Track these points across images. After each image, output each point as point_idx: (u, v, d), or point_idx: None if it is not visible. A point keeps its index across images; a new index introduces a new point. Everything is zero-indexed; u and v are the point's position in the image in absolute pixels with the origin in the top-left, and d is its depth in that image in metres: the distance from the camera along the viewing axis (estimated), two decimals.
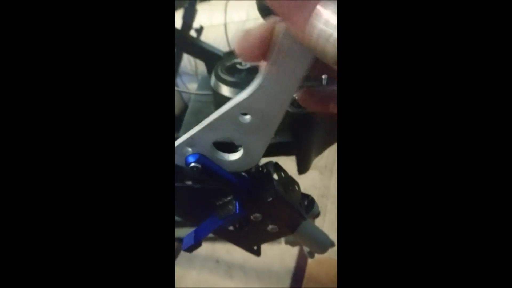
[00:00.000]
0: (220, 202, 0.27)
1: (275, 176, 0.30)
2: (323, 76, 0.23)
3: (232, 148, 0.27)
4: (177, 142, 0.25)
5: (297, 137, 0.32)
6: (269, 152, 0.34)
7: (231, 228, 0.30)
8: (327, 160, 1.17)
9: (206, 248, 0.93)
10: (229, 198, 0.27)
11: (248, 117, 0.22)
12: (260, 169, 0.29)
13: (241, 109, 0.21)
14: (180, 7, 0.85)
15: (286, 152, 0.34)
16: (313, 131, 0.32)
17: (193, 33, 0.73)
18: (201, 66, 1.46)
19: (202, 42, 0.45)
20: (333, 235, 0.38)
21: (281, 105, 0.20)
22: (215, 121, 0.22)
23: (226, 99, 0.31)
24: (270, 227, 0.31)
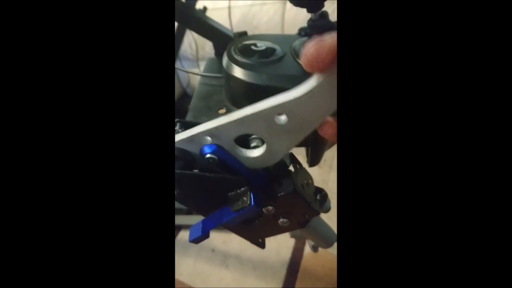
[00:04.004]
0: (233, 193, 0.26)
1: (291, 168, 0.28)
2: None
3: (247, 144, 0.25)
4: (197, 130, 0.23)
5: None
6: None
7: None
8: (326, 155, 1.16)
9: None
10: (243, 189, 0.25)
11: (284, 117, 0.20)
12: None
13: (281, 109, 0.20)
14: None
15: (302, 144, 0.32)
16: None
17: None
18: (202, 51, 1.41)
19: (211, 19, 0.42)
20: None
21: (323, 115, 0.19)
22: (248, 117, 0.21)
23: (240, 81, 0.29)
24: (281, 220, 0.30)
